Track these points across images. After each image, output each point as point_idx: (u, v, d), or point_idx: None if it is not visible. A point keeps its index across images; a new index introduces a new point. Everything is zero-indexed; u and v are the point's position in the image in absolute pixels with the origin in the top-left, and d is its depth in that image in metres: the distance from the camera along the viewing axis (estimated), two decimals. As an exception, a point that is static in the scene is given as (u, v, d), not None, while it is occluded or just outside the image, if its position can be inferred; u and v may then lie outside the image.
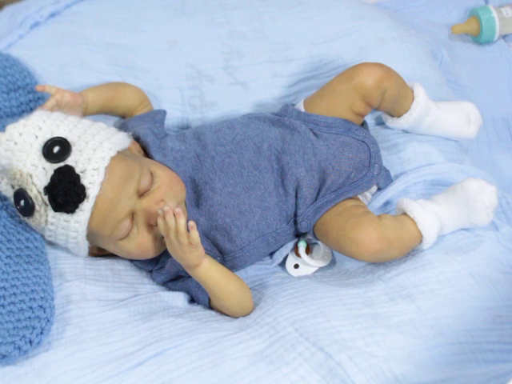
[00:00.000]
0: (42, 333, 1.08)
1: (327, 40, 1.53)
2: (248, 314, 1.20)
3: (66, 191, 1.12)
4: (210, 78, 1.49)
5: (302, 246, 1.34)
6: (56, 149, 1.14)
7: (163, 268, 1.26)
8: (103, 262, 1.26)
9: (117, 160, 1.16)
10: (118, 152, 1.18)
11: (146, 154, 1.30)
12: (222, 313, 1.22)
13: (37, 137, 1.16)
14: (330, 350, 1.06)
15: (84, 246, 1.20)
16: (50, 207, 1.14)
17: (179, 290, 1.26)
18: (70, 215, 1.14)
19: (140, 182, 1.19)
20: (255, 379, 1.04)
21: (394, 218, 1.26)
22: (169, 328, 1.14)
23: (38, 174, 1.14)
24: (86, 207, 1.14)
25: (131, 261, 1.29)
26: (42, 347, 1.08)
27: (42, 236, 1.22)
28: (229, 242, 1.26)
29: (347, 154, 1.31)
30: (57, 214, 1.15)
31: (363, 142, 1.32)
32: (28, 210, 1.16)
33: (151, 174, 1.21)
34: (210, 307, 1.24)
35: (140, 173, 1.19)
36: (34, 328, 1.07)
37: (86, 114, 1.36)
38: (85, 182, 1.13)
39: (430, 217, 1.24)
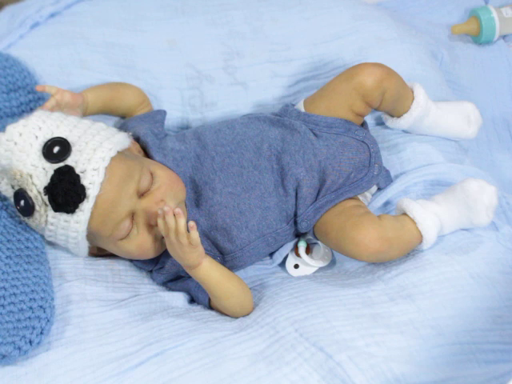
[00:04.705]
0: (42, 333, 1.08)
1: (327, 40, 1.53)
2: (248, 314, 1.20)
3: (66, 191, 1.12)
4: (210, 78, 1.49)
5: (301, 246, 1.34)
6: (56, 149, 1.14)
7: (163, 268, 1.26)
8: (103, 262, 1.26)
9: (117, 160, 1.16)
10: (118, 152, 1.18)
11: (146, 154, 1.30)
12: (221, 313, 1.22)
13: (37, 137, 1.16)
14: (330, 350, 1.06)
15: (84, 246, 1.20)
16: (49, 207, 1.14)
17: (179, 290, 1.26)
18: (69, 215, 1.14)
19: (140, 182, 1.19)
20: (255, 379, 1.04)
21: (394, 218, 1.26)
22: (169, 328, 1.14)
23: (38, 174, 1.14)
24: (85, 207, 1.14)
25: (131, 261, 1.29)
26: (42, 347, 1.08)
27: (42, 236, 1.22)
28: (229, 242, 1.26)
29: (347, 154, 1.31)
30: (57, 214, 1.15)
31: (363, 142, 1.32)
32: (28, 210, 1.16)
33: (151, 174, 1.21)
34: (210, 307, 1.24)
35: (140, 173, 1.19)
36: (34, 328, 1.07)
37: (86, 114, 1.36)
38: (85, 182, 1.13)
39: (430, 217, 1.24)
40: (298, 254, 1.35)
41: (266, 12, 1.55)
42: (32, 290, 1.12)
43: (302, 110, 1.35)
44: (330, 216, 1.28)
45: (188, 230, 1.13)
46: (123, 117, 1.44)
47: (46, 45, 1.46)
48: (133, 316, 1.16)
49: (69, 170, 1.13)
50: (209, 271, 1.18)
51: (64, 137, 1.16)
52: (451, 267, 1.20)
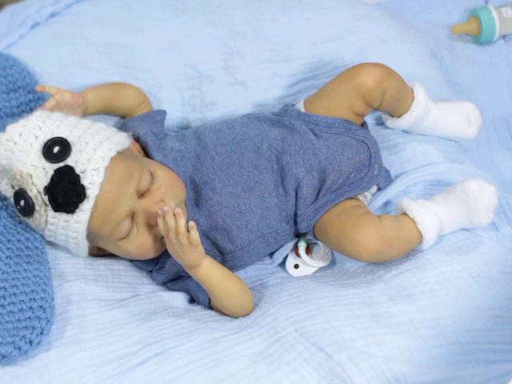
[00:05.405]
0: (42, 333, 1.08)
1: (327, 40, 1.53)
2: (248, 314, 1.20)
3: (66, 191, 1.12)
4: (210, 78, 1.49)
5: (302, 246, 1.34)
6: (56, 149, 1.14)
7: (163, 268, 1.26)
8: (103, 262, 1.26)
9: (117, 160, 1.16)
10: (118, 152, 1.18)
11: (146, 154, 1.30)
12: (221, 313, 1.22)
13: (37, 137, 1.16)
14: (330, 350, 1.06)
15: (84, 246, 1.20)
16: (50, 207, 1.14)
17: (179, 290, 1.26)
18: (69, 215, 1.14)
19: (140, 182, 1.19)
20: (255, 379, 1.04)
21: (394, 218, 1.26)
22: (169, 328, 1.14)
23: (38, 174, 1.14)
24: (85, 207, 1.14)
25: (131, 261, 1.29)
26: (42, 347, 1.08)
27: (42, 236, 1.22)
28: (229, 242, 1.26)
29: (347, 154, 1.31)
30: (57, 214, 1.15)
31: (363, 142, 1.32)
32: (28, 210, 1.16)
33: (151, 174, 1.21)
34: (210, 307, 1.24)
35: (140, 173, 1.19)
36: (34, 328, 1.07)
37: (86, 114, 1.37)
38: (85, 182, 1.13)
39: (430, 217, 1.24)
40: (298, 254, 1.35)
41: (266, 12, 1.55)
42: (32, 290, 1.12)
43: (302, 110, 1.35)
44: (330, 216, 1.28)
45: (188, 230, 1.13)
46: (123, 117, 1.44)
47: (46, 45, 1.46)
48: (133, 316, 1.16)
49: (69, 170, 1.13)
50: (209, 271, 1.18)
51: (64, 137, 1.16)
52: (451, 267, 1.20)
